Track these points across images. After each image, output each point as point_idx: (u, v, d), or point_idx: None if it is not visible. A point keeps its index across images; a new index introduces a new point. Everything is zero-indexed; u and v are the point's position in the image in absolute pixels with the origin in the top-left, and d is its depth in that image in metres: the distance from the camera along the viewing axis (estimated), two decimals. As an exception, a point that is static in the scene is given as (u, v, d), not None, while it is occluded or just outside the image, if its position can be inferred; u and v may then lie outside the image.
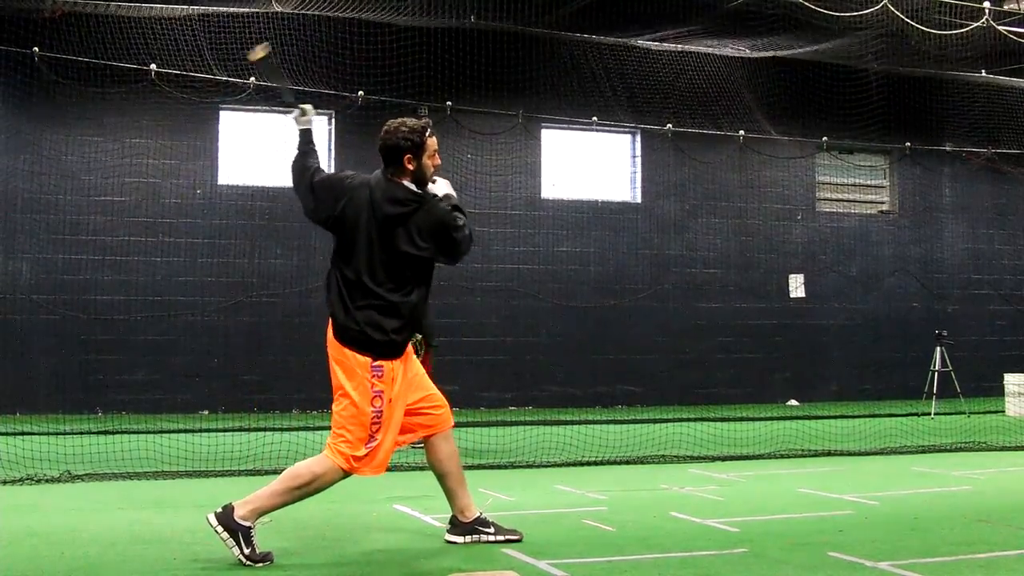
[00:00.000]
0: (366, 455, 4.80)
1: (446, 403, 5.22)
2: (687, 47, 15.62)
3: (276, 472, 6.56)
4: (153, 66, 13.90)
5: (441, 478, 5.18)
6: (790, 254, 18.19)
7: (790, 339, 17.96)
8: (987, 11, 14.10)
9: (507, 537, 5.09)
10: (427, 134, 4.90)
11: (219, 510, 4.76)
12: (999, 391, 15.59)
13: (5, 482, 7.28)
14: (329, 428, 4.96)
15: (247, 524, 4.72)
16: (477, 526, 5.11)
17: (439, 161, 4.98)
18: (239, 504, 4.76)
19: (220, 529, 4.71)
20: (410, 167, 4.86)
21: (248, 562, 4.66)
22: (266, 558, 4.70)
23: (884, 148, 18.76)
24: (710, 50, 15.70)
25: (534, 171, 16.91)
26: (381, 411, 4.77)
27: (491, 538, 5.07)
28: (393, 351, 4.84)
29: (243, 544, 4.70)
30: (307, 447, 8.08)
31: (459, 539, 5.13)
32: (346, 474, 4.84)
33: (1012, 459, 9.41)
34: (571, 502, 6.66)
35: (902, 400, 16.72)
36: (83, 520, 5.86)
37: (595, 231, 17.06)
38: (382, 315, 4.78)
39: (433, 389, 5.19)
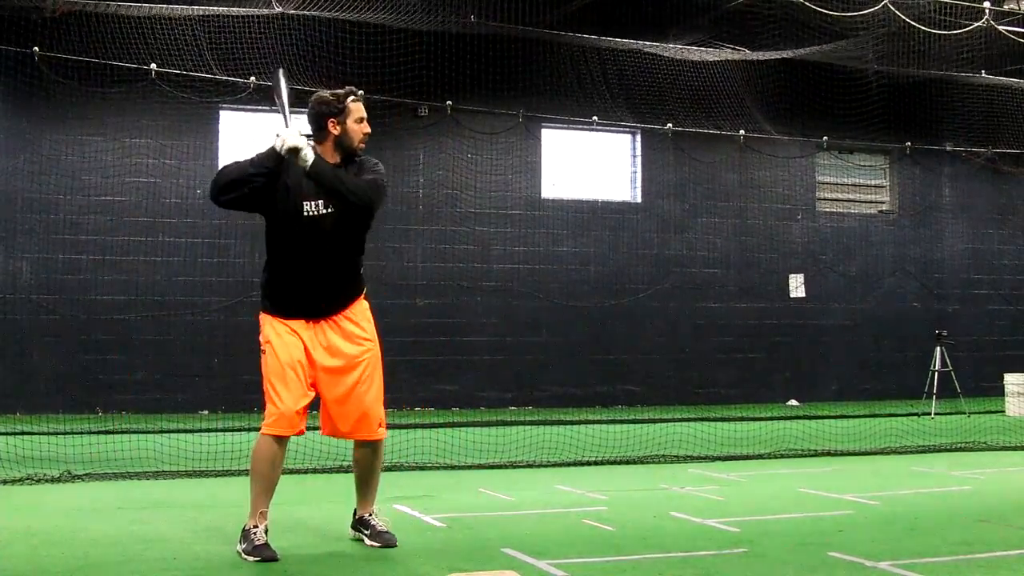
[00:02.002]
0: (267, 408, 4.88)
1: (350, 417, 4.96)
2: (688, 56, 15.60)
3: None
4: (153, 66, 13.91)
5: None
6: (790, 254, 18.19)
7: (790, 339, 17.96)
8: (987, 11, 14.10)
9: (372, 544, 5.05)
10: (350, 99, 4.96)
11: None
12: (999, 391, 15.59)
13: (5, 482, 7.27)
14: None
15: (247, 526, 4.82)
16: (360, 525, 5.18)
17: (368, 129, 5.01)
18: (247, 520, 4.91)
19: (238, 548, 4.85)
20: (334, 131, 4.93)
21: (244, 556, 4.72)
22: (265, 554, 4.71)
23: (884, 148, 18.76)
24: (711, 58, 15.69)
25: (534, 171, 16.91)
26: (263, 358, 4.96)
27: (366, 540, 5.11)
28: (265, 306, 5.01)
29: (240, 540, 4.82)
30: (306, 446, 8.08)
31: (350, 532, 5.23)
32: (276, 438, 4.85)
33: (1012, 459, 9.41)
34: (571, 502, 6.65)
35: (902, 400, 16.71)
36: (83, 520, 5.85)
37: (595, 231, 17.06)
38: None
39: (353, 402, 4.95)
